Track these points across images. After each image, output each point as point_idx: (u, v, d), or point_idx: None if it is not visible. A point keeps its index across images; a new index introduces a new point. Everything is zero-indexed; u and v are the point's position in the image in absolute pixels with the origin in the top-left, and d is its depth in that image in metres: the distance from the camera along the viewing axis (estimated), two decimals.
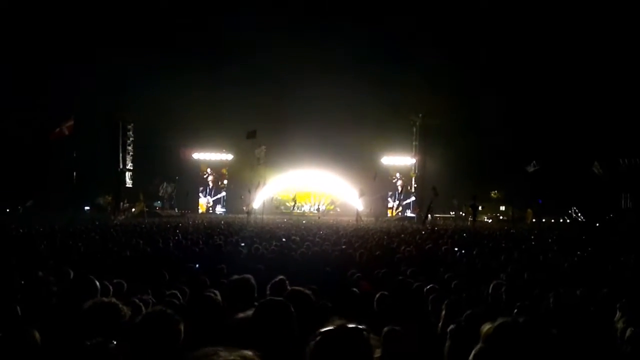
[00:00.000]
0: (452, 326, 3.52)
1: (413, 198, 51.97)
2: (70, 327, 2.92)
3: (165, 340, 2.55)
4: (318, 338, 1.83)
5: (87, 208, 45.65)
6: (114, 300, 3.03)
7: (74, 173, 40.32)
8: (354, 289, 5.70)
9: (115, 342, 2.15)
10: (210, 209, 52.72)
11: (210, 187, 53.24)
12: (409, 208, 51.85)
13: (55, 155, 40.72)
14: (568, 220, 48.03)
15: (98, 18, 42.57)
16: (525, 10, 44.12)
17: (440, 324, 4.39)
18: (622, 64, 41.45)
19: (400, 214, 51.20)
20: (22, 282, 4.12)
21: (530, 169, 38.67)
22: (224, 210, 52.49)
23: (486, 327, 2.19)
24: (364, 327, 1.87)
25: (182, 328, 2.64)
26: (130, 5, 43.21)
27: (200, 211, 51.57)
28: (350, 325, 1.86)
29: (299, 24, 47.57)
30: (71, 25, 41.23)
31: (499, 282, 5.82)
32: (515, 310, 4.04)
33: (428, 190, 42.55)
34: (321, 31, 47.53)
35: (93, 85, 42.04)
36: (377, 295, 5.23)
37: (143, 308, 3.79)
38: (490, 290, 5.59)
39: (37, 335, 2.65)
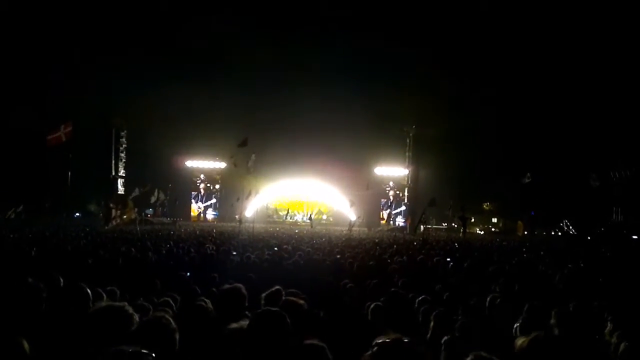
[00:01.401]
0: (446, 337, 3.51)
1: (403, 207, 52.06)
2: (71, 332, 2.87)
3: (161, 349, 2.52)
4: (375, 349, 1.86)
5: (77, 214, 45.34)
6: (125, 305, 2.96)
7: (68, 179, 40.06)
8: (347, 299, 5.68)
9: (154, 355, 2.09)
10: (202, 214, 52.64)
11: (202, 193, 53.16)
12: (400, 215, 51.99)
13: (48, 161, 40.45)
14: (560, 233, 48.23)
15: (96, 25, 42.59)
16: (519, 22, 44.50)
17: (428, 335, 4.38)
18: (613, 77, 41.83)
19: (391, 222, 51.31)
20: (21, 286, 4.01)
21: (524, 180, 38.90)
22: (215, 213, 52.45)
23: (520, 341, 2.20)
24: (420, 343, 1.92)
25: (177, 337, 2.63)
26: (128, 15, 43.24)
27: (192, 214, 51.50)
28: (407, 340, 1.89)
29: (292, 35, 47.79)
30: (69, 32, 41.21)
31: (495, 295, 5.82)
32: (517, 325, 4.03)
33: (421, 201, 42.76)
34: (315, 42, 47.82)
35: (88, 91, 41.94)
36: (371, 306, 5.21)
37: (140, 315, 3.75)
38: (487, 304, 5.59)
39: (25, 344, 2.60)
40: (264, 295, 4.30)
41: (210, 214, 52.83)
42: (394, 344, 1.88)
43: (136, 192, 43.67)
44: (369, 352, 1.89)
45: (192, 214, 52.07)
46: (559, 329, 4.01)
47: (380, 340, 1.90)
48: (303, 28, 47.42)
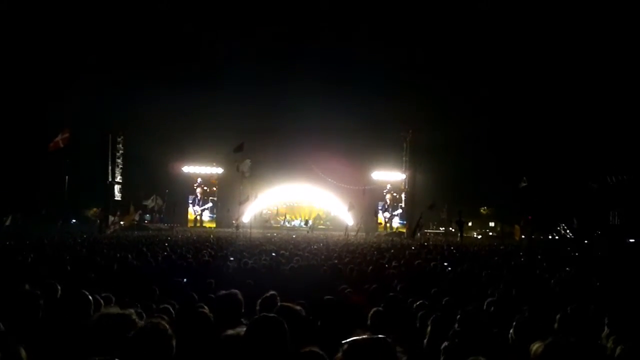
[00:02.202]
0: (445, 344, 3.52)
1: (400, 210, 52.14)
2: (70, 340, 2.85)
3: (158, 355, 2.52)
4: (346, 347, 1.86)
5: (73, 221, 45.20)
6: (132, 313, 2.95)
7: (65, 185, 39.98)
8: (345, 304, 5.67)
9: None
10: (198, 217, 52.68)
11: (199, 197, 53.11)
12: (396, 217, 52.11)
13: (45, 167, 40.40)
14: (557, 237, 48.29)
15: (93, 32, 42.63)
16: (514, 27, 44.67)
17: (425, 340, 4.39)
18: (610, 81, 41.98)
19: (389, 224, 51.45)
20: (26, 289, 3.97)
21: (521, 185, 38.97)
22: (212, 215, 52.53)
23: (535, 346, 2.20)
24: (390, 338, 1.90)
25: (174, 343, 2.62)
26: (124, 22, 43.29)
27: (189, 219, 51.45)
28: (377, 336, 1.89)
29: (289, 41, 47.93)
30: (66, 38, 41.22)
31: (492, 299, 5.83)
32: (513, 325, 4.03)
33: (419, 205, 42.81)
34: (312, 48, 47.94)
35: (85, 97, 41.89)
36: (372, 311, 5.21)
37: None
38: (485, 307, 5.60)
39: (23, 352, 2.59)
40: (259, 301, 4.30)
41: (206, 216, 52.90)
42: (365, 341, 1.87)
43: (152, 201, 43.89)
44: (341, 351, 1.88)
45: (189, 218, 52.08)
46: (562, 333, 4.01)
47: (351, 339, 1.89)
48: (301, 34, 47.58)
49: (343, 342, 1.91)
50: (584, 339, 3.63)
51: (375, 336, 1.91)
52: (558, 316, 4.08)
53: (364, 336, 1.91)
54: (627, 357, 3.09)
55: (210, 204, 53.08)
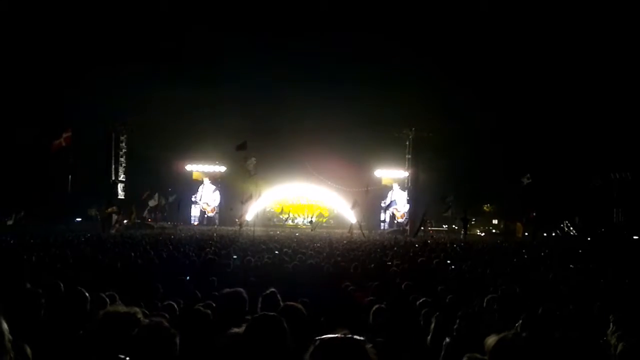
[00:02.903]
0: (447, 339, 3.51)
1: (405, 209, 52.12)
2: (72, 337, 2.86)
3: (161, 354, 2.52)
4: (316, 345, 1.81)
5: (77, 219, 45.30)
6: (137, 311, 2.95)
7: (68, 184, 40.09)
8: (348, 302, 5.68)
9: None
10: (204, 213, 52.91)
11: (202, 196, 53.20)
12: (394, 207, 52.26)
13: (49, 166, 40.47)
14: (560, 234, 48.22)
15: (95, 30, 42.68)
16: (517, 23, 44.56)
17: (429, 337, 4.38)
18: (613, 76, 41.87)
19: (387, 222, 51.54)
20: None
21: (525, 181, 38.91)
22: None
23: (489, 340, 2.19)
24: (362, 337, 1.85)
25: (177, 341, 2.62)
26: (128, 20, 43.31)
27: (192, 220, 51.49)
28: (348, 335, 1.83)
29: (291, 39, 47.84)
30: (68, 36, 41.28)
31: (494, 296, 5.82)
32: (519, 323, 4.02)
33: (421, 203, 42.82)
34: (313, 45, 47.83)
35: (87, 96, 41.91)
36: (374, 308, 5.21)
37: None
38: (484, 304, 5.59)
39: (28, 349, 2.60)
40: (260, 297, 4.32)
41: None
42: (335, 340, 1.82)
43: (154, 200, 43.99)
44: (310, 349, 1.83)
45: (192, 217, 52.14)
46: (563, 330, 4.01)
47: (321, 337, 1.84)
48: (302, 31, 47.47)
49: (315, 339, 1.86)
50: (543, 336, 3.63)
51: (345, 336, 1.84)
52: (557, 313, 4.07)
53: (333, 335, 1.84)
54: (628, 353, 3.08)
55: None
